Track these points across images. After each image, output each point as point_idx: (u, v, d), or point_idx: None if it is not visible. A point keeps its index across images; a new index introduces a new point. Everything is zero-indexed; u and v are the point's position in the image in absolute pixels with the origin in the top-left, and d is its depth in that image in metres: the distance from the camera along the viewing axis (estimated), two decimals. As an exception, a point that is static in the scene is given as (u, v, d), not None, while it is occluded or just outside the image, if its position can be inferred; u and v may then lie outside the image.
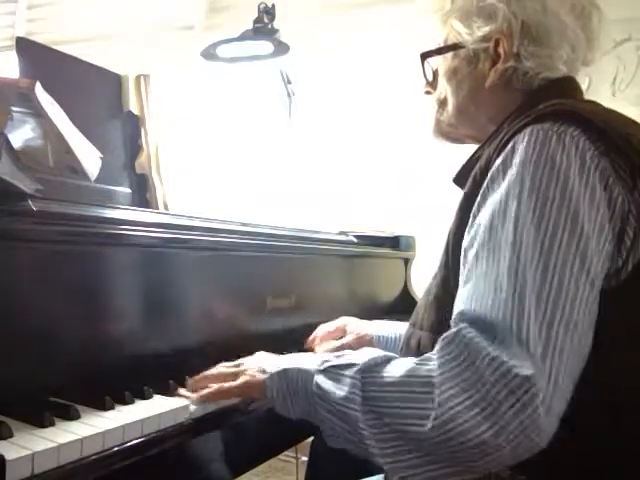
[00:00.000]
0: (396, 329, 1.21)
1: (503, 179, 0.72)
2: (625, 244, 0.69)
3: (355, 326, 1.26)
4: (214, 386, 0.85)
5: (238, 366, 0.88)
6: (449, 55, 0.91)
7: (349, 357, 0.76)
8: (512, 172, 0.71)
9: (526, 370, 0.60)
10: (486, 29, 0.86)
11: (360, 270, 1.62)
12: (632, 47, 2.10)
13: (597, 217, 0.68)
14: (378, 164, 2.52)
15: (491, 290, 0.67)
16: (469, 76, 0.90)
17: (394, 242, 1.79)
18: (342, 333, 1.25)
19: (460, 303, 0.70)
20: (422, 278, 1.75)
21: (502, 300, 0.65)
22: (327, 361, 0.77)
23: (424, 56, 0.95)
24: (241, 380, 0.85)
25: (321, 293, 1.43)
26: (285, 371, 0.81)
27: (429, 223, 2.13)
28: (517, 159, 0.71)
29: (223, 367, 0.89)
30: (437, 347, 0.68)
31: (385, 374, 0.70)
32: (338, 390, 0.72)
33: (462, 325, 0.67)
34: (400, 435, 0.66)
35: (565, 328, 0.63)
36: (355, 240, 1.67)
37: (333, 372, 0.75)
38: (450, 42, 0.91)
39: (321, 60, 2.56)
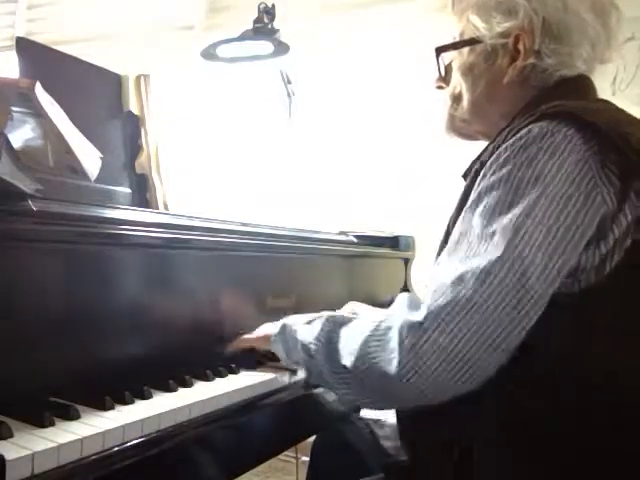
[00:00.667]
0: None
1: (490, 175, 0.75)
2: (607, 241, 0.70)
3: (363, 312, 1.26)
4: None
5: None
6: (465, 50, 0.91)
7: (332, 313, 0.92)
8: (495, 166, 0.75)
9: (417, 317, 0.71)
10: (506, 25, 0.85)
11: (360, 270, 1.62)
12: (634, 46, 2.10)
13: (551, 218, 0.70)
14: (378, 164, 2.52)
15: (439, 263, 0.77)
16: (486, 72, 0.89)
17: (394, 242, 1.79)
18: None
19: None
20: (422, 278, 1.75)
21: (437, 272, 0.75)
22: (313, 317, 0.91)
23: (439, 50, 0.94)
24: (256, 334, 1.05)
25: (321, 293, 1.43)
26: (284, 325, 0.97)
27: (429, 223, 2.13)
28: (504, 155, 0.74)
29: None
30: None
31: (349, 325, 0.84)
32: (311, 333, 0.87)
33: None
34: (343, 370, 0.79)
35: (477, 303, 0.69)
36: (355, 240, 1.67)
37: (312, 322, 0.90)
38: (467, 37, 0.90)
39: (321, 60, 2.56)
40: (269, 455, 1.11)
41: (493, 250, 0.70)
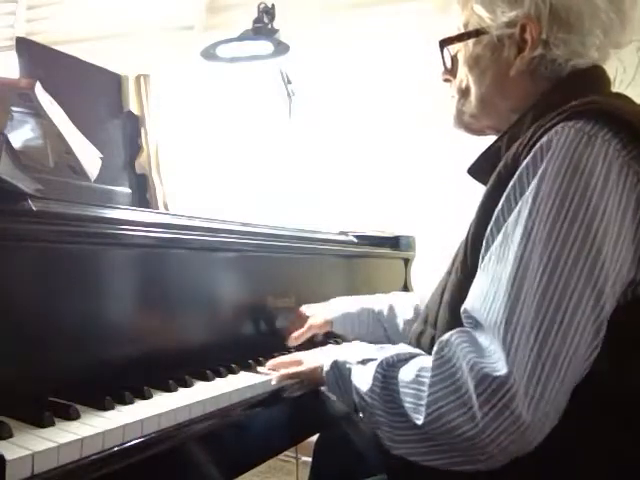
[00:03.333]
0: (358, 304, 1.25)
1: (530, 181, 0.70)
2: None
3: (314, 312, 1.26)
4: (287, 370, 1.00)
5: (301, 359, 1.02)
6: (470, 42, 0.86)
7: (384, 352, 0.81)
8: (537, 175, 0.69)
9: (501, 372, 0.63)
10: (512, 14, 0.81)
11: (360, 270, 1.62)
12: (632, 48, 2.10)
13: (614, 229, 0.65)
14: (378, 164, 2.52)
15: (490, 294, 0.68)
16: (493, 64, 0.86)
17: (394, 242, 1.79)
18: (304, 320, 1.25)
19: (467, 299, 0.72)
20: (422, 278, 1.75)
21: (496, 306, 0.67)
22: (365, 355, 0.84)
23: (443, 43, 0.90)
24: (307, 367, 0.97)
25: (321, 293, 1.42)
26: (335, 362, 0.88)
27: (429, 223, 2.14)
28: (543, 162, 0.69)
29: (289, 356, 1.04)
30: (434, 349, 0.71)
31: (403, 370, 0.75)
32: (365, 381, 0.79)
33: (458, 330, 0.71)
34: (407, 425, 0.71)
35: (561, 339, 0.63)
36: (355, 240, 1.67)
37: (364, 365, 0.81)
38: (471, 28, 0.86)
39: (321, 60, 2.56)
40: (269, 455, 1.11)
41: (565, 280, 0.64)
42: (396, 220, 2.12)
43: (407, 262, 1.83)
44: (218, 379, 0.96)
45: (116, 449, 0.70)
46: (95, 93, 1.44)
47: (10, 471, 0.59)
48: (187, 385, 0.90)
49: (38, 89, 0.96)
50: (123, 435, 0.72)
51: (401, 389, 0.73)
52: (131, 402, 0.80)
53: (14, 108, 0.98)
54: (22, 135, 1.02)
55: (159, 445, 0.75)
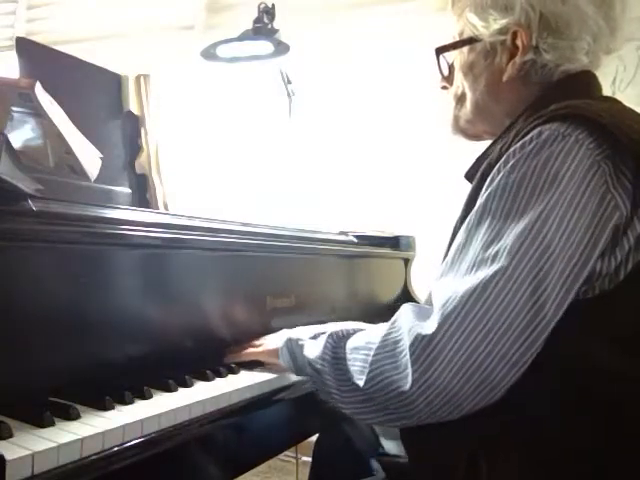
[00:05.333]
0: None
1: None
2: (622, 247, 0.69)
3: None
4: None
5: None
6: (465, 49, 0.90)
7: (334, 326, 0.88)
8: (504, 171, 0.73)
9: (429, 330, 0.68)
10: (503, 21, 0.84)
11: (360, 270, 1.62)
12: (632, 47, 2.10)
13: (570, 223, 0.68)
14: (378, 164, 2.52)
15: (445, 272, 0.74)
16: (486, 70, 0.89)
17: (394, 242, 1.78)
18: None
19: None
20: (422, 278, 1.75)
21: (444, 279, 0.73)
22: (316, 330, 0.92)
23: (439, 51, 0.94)
24: (262, 348, 1.04)
25: (321, 293, 1.42)
26: (289, 339, 0.96)
27: (429, 223, 2.13)
28: (513, 159, 0.72)
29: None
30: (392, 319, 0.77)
31: (352, 339, 0.82)
32: (316, 351, 0.86)
33: (410, 303, 0.78)
34: (352, 388, 0.78)
35: (493, 313, 0.67)
36: (355, 240, 1.67)
37: (315, 339, 0.89)
38: (466, 36, 0.89)
39: (321, 60, 2.56)
40: (269, 455, 1.11)
41: (506, 259, 0.67)
42: (396, 220, 2.12)
43: (407, 262, 1.83)
44: (218, 379, 0.96)
45: (116, 449, 0.70)
46: (95, 93, 1.44)
47: (10, 471, 0.59)
48: (187, 385, 0.90)
49: (38, 89, 0.97)
50: (123, 435, 0.72)
51: (349, 355, 0.79)
52: (131, 402, 0.80)
53: (14, 108, 0.98)
54: (22, 135, 1.02)
55: (159, 445, 0.75)
